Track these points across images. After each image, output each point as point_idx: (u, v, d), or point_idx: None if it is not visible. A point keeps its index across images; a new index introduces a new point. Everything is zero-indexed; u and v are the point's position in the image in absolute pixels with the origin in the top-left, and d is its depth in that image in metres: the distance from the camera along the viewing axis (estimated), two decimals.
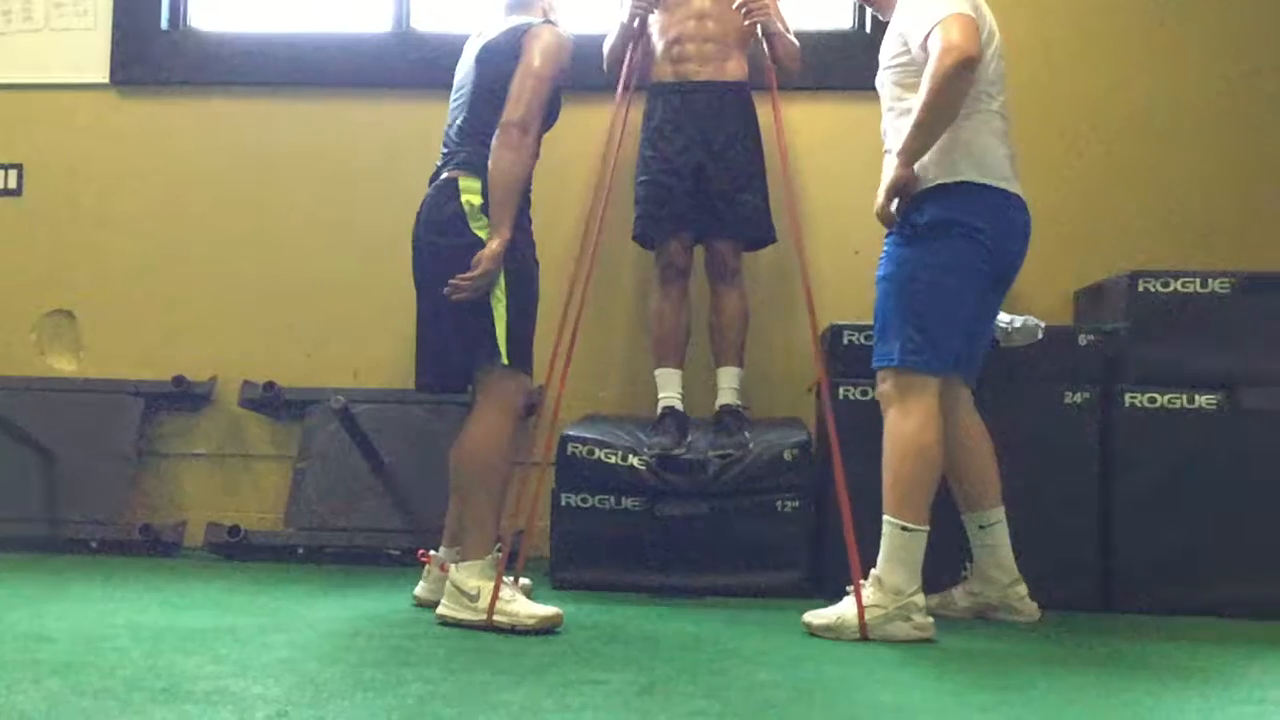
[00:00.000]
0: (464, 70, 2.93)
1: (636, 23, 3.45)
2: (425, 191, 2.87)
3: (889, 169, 2.76)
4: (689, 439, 3.23)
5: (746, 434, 3.21)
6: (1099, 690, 2.17)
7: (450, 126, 2.90)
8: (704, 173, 3.35)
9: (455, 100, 2.93)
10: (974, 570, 2.91)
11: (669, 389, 3.38)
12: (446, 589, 2.67)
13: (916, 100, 2.63)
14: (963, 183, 2.67)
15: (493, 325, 2.71)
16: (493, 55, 2.82)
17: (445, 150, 2.88)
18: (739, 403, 3.33)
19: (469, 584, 2.62)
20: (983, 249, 2.69)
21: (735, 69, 3.45)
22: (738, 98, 3.42)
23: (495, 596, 2.60)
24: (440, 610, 2.67)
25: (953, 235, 2.66)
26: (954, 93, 2.60)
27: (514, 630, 2.57)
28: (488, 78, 2.81)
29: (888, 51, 2.81)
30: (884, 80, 2.82)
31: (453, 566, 2.69)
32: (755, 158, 3.41)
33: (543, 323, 2.85)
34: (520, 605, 2.62)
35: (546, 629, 2.58)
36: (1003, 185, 2.71)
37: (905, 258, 2.70)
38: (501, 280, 2.71)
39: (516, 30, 2.81)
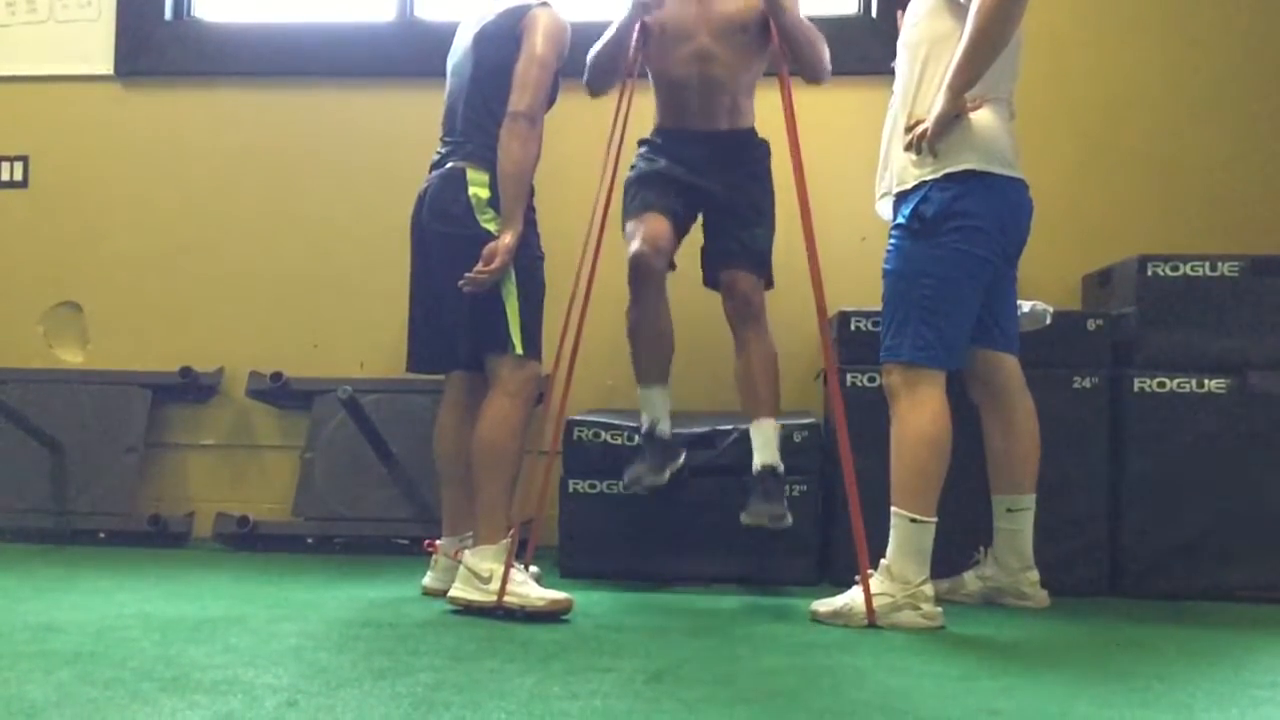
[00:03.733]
0: (459, 55, 2.92)
1: (636, 32, 3.02)
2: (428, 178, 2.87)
3: (892, 136, 2.79)
4: (677, 463, 3.04)
5: (786, 503, 2.93)
6: (1108, 675, 2.17)
7: (451, 113, 2.89)
8: (712, 203, 3.03)
9: (453, 86, 2.92)
10: (989, 554, 2.90)
11: (652, 410, 3.03)
12: (460, 572, 2.68)
13: (965, 31, 2.56)
14: (968, 171, 2.65)
15: (505, 316, 2.71)
16: (491, 40, 2.80)
17: (448, 138, 2.87)
18: (777, 462, 2.95)
19: (482, 567, 2.63)
20: (989, 239, 2.67)
21: (746, 118, 3.08)
22: (749, 142, 3.09)
23: (506, 579, 2.61)
24: (452, 592, 2.68)
25: (959, 228, 2.65)
26: (1007, 17, 2.53)
27: (524, 611, 2.57)
28: (488, 63, 2.79)
29: (920, 7, 2.78)
30: (918, 28, 2.77)
31: (467, 551, 2.70)
32: (767, 199, 3.06)
33: (547, 315, 2.84)
34: (531, 588, 2.63)
35: (556, 612, 2.58)
36: (1007, 172, 2.69)
37: (913, 252, 2.69)
38: (511, 272, 2.71)
39: (514, 13, 2.79)
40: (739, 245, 2.99)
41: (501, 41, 2.78)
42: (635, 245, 2.94)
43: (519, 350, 2.72)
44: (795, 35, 2.98)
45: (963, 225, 2.64)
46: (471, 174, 2.76)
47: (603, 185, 2.90)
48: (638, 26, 3.02)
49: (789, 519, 2.85)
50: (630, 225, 3.01)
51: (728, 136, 3.05)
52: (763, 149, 3.11)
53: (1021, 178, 2.73)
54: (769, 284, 3.04)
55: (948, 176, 2.65)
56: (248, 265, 4.04)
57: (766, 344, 2.99)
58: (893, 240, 2.75)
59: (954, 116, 2.62)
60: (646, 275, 2.93)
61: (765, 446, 2.95)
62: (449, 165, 2.80)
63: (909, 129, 2.70)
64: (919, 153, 2.66)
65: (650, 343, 3.01)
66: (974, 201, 2.65)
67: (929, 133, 2.63)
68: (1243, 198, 3.77)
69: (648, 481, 2.89)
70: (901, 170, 2.75)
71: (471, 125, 2.81)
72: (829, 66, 3.06)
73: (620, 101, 2.97)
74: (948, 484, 2.66)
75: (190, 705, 1.81)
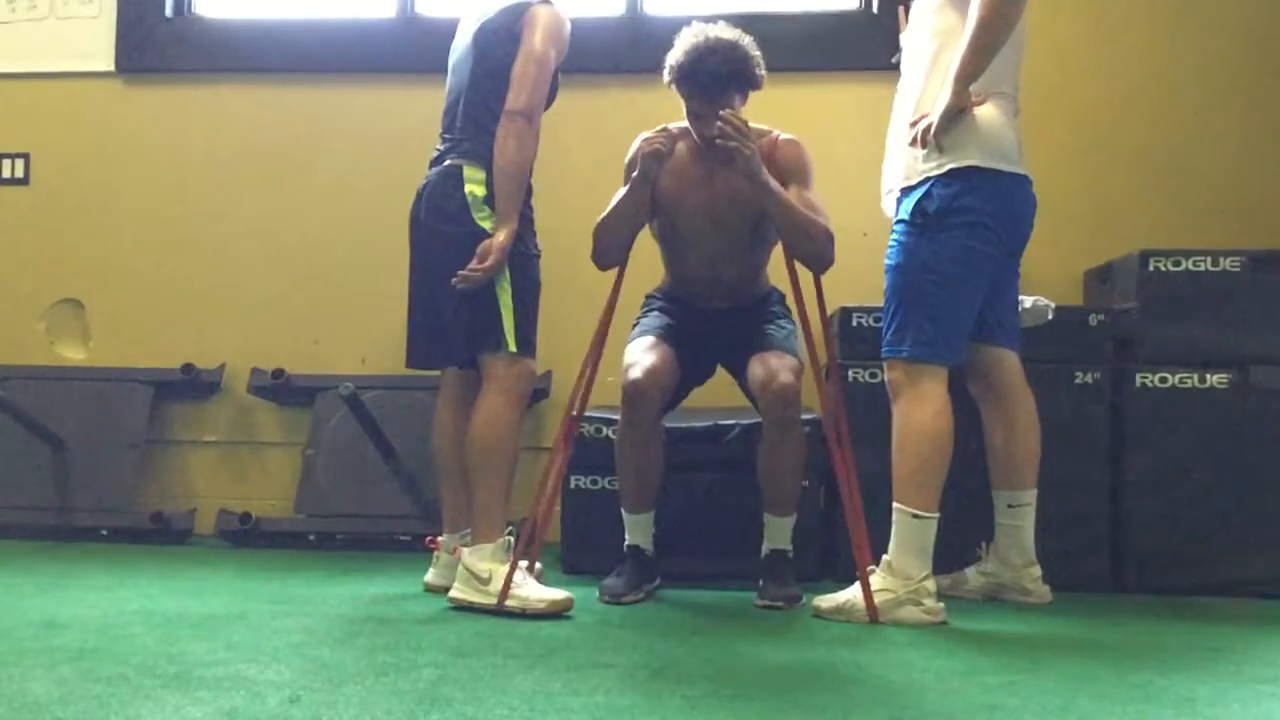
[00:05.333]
0: (460, 52, 2.91)
1: (646, 193, 2.86)
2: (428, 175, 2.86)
3: (897, 132, 2.78)
4: (654, 584, 2.94)
5: (796, 585, 2.86)
6: (1110, 671, 2.17)
7: (450, 111, 2.89)
8: (728, 341, 2.97)
9: (452, 84, 2.92)
10: (991, 550, 2.90)
11: (635, 534, 2.96)
12: (459, 572, 2.68)
13: (968, 24, 2.57)
14: (971, 168, 2.64)
15: (499, 313, 2.71)
16: (491, 37, 2.79)
17: (447, 135, 2.87)
18: (788, 546, 2.92)
19: (480, 567, 2.63)
20: (991, 235, 2.67)
21: (759, 288, 3.05)
22: (764, 302, 3.04)
23: (508, 581, 2.61)
24: (452, 593, 2.67)
25: (962, 224, 2.64)
26: (1009, 7, 2.53)
27: (525, 614, 2.57)
28: (486, 60, 2.78)
29: (925, 3, 2.78)
30: (924, 24, 2.77)
31: (464, 550, 2.70)
32: (786, 321, 3.01)
33: (543, 314, 2.84)
34: (531, 589, 2.62)
35: (557, 613, 2.58)
36: (1010, 168, 2.68)
37: (915, 248, 2.68)
38: (506, 269, 2.70)
39: (513, 10, 2.78)
40: (765, 335, 2.90)
41: (500, 39, 2.77)
42: (633, 374, 2.80)
43: (512, 348, 2.71)
44: (785, 224, 2.81)
45: (965, 221, 2.64)
46: (468, 171, 2.75)
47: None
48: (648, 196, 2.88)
49: (802, 597, 2.79)
50: (632, 350, 2.90)
51: (740, 309, 3.01)
52: (778, 301, 3.06)
53: (1025, 174, 2.72)
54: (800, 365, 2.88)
55: (950, 173, 2.64)
56: (249, 262, 4.04)
57: (801, 445, 2.86)
58: (895, 235, 2.74)
59: (959, 111, 2.61)
60: (638, 407, 2.80)
61: (778, 535, 2.92)
62: (446, 163, 2.80)
63: (914, 124, 2.69)
64: (924, 147, 2.66)
65: (640, 472, 2.91)
66: (977, 197, 2.64)
67: (934, 127, 2.62)
68: (1244, 193, 3.77)
69: (626, 599, 2.80)
70: (907, 166, 2.74)
71: (470, 123, 2.80)
72: (829, 256, 2.85)
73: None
74: (949, 480, 2.66)
75: (193, 701, 1.81)
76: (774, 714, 1.82)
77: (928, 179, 2.67)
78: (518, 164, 2.70)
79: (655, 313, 3.05)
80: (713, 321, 3.01)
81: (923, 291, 2.66)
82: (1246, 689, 2.05)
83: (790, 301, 2.98)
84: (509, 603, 2.59)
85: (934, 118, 2.63)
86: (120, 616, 2.48)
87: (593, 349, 2.92)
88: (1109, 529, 3.09)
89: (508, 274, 2.71)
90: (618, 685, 1.97)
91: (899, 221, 2.74)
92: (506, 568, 2.63)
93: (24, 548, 3.52)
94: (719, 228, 2.92)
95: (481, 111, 2.78)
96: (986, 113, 2.65)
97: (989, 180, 2.64)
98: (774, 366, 2.79)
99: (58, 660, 2.06)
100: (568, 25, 2.80)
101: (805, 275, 2.92)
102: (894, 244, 2.74)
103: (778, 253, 2.99)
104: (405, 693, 1.89)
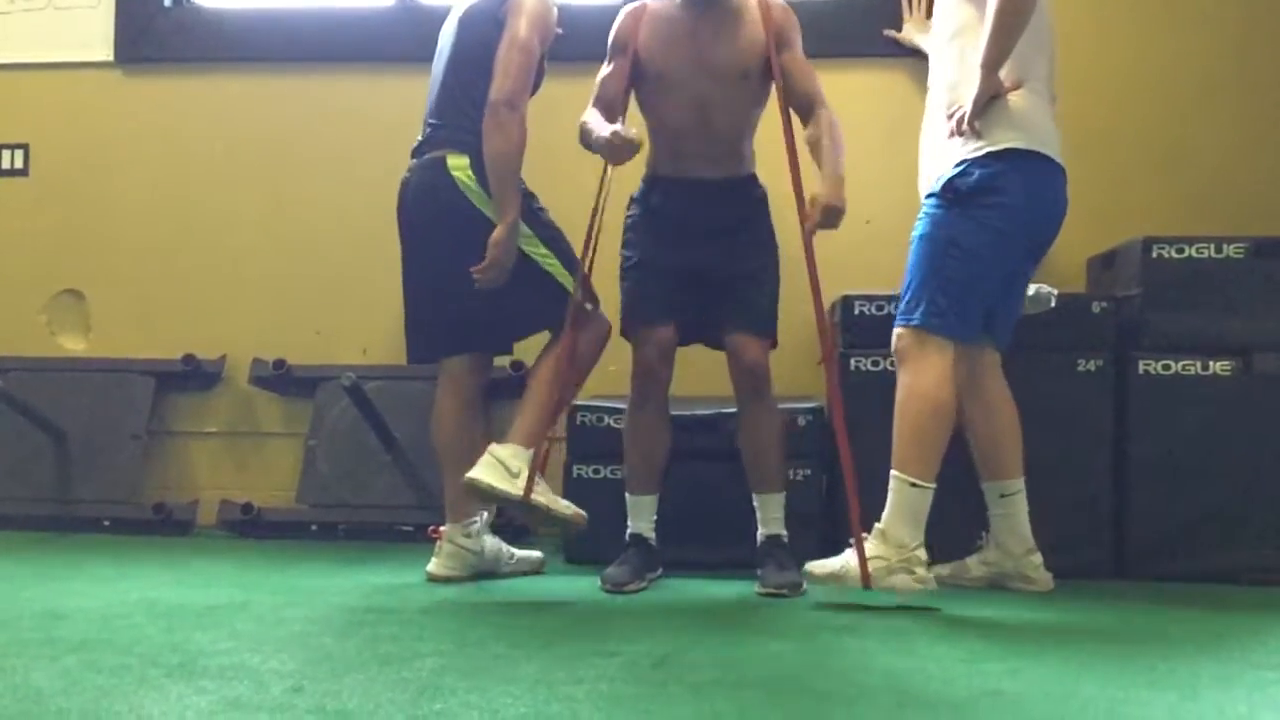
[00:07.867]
0: (446, 37, 2.90)
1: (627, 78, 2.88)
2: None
3: (935, 111, 2.78)
4: (657, 573, 2.96)
5: (797, 571, 2.81)
6: (1113, 658, 2.17)
7: (431, 97, 2.88)
8: (709, 273, 2.92)
9: (435, 70, 2.91)
10: (990, 539, 2.90)
11: (639, 518, 2.98)
12: (484, 460, 2.65)
13: (987, 11, 2.58)
14: (1009, 150, 2.64)
15: (552, 277, 2.75)
16: (475, 22, 2.78)
17: (428, 124, 2.85)
18: (784, 532, 2.93)
19: (512, 461, 2.64)
20: (1023, 218, 2.66)
21: (745, 165, 2.98)
22: (749, 194, 2.98)
23: (532, 477, 2.63)
24: (477, 474, 2.63)
25: (995, 203, 2.64)
26: None
27: (549, 512, 2.64)
28: (468, 44, 2.77)
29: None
30: (949, 19, 2.78)
31: (495, 444, 2.69)
32: (769, 256, 2.97)
33: None
34: (554, 497, 2.67)
35: (577, 523, 2.67)
36: (1048, 153, 2.68)
37: (945, 221, 2.68)
38: (537, 242, 2.71)
39: None
40: (743, 306, 2.90)
41: (482, 24, 2.76)
42: (644, 351, 2.89)
43: (586, 305, 2.79)
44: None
45: (997, 201, 2.63)
46: (451, 160, 2.74)
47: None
48: (628, 72, 2.89)
49: (805, 584, 2.78)
50: (640, 330, 2.92)
51: (726, 185, 2.93)
52: (762, 198, 3.00)
53: (1062, 164, 2.71)
54: (774, 344, 2.94)
55: (989, 155, 2.64)
56: (250, 252, 4.03)
57: (774, 416, 2.92)
58: (925, 209, 2.74)
59: (991, 96, 2.62)
60: (653, 383, 2.89)
61: (772, 518, 2.92)
62: (426, 155, 2.79)
63: (950, 116, 2.69)
64: (960, 135, 2.66)
65: (648, 451, 2.95)
66: (1012, 179, 2.64)
67: (968, 114, 2.63)
68: (1248, 180, 3.76)
69: (628, 588, 2.80)
70: (945, 155, 2.73)
71: (448, 108, 2.79)
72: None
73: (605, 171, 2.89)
74: (951, 470, 2.65)
75: (197, 691, 1.81)
76: (778, 701, 1.82)
77: (964, 160, 2.66)
78: (506, 155, 2.69)
79: (640, 248, 2.96)
80: (700, 218, 2.90)
81: (943, 265, 2.66)
82: (1250, 675, 2.05)
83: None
84: (536, 497, 2.61)
85: (967, 106, 2.63)
86: (123, 607, 2.48)
87: (584, 249, 2.88)
88: (1111, 516, 3.08)
89: (541, 244, 2.72)
90: (621, 674, 1.97)
91: (929, 195, 2.74)
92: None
93: (26, 539, 3.53)
94: (707, 72, 2.87)
95: (459, 97, 2.77)
96: (1021, 99, 2.66)
97: (1028, 162, 2.65)
98: (743, 342, 2.86)
99: (60, 651, 2.06)
100: (554, 11, 2.78)
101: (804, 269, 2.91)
102: (923, 215, 2.74)
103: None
104: (408, 682, 1.88)
